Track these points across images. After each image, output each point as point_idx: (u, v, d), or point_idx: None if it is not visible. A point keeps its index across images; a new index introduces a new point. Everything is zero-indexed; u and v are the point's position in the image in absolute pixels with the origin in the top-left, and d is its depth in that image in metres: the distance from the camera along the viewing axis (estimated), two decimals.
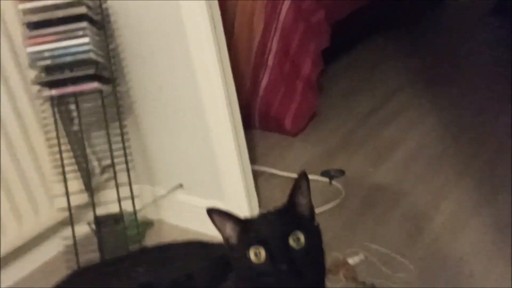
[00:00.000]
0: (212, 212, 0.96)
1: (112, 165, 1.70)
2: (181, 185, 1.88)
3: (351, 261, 1.61)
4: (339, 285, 1.54)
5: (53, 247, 1.81)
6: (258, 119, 2.46)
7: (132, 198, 1.70)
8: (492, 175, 1.92)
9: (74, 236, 1.67)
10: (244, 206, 1.79)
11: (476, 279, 1.50)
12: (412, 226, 1.75)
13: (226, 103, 1.66)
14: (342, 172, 2.09)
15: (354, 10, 2.78)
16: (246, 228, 0.94)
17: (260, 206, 1.88)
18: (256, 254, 0.89)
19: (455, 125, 2.26)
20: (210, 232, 1.92)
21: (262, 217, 0.98)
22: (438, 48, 3.10)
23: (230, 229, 0.96)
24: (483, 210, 1.76)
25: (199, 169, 1.83)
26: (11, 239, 1.65)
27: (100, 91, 1.67)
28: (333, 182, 2.03)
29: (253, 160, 2.11)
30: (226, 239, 0.97)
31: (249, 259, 0.90)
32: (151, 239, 1.90)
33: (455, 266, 1.56)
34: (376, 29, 3.29)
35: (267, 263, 0.89)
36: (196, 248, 1.10)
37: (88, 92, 1.68)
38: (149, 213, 1.95)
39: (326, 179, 2.05)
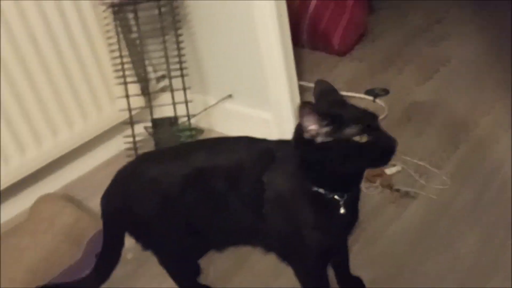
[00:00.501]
0: (306, 106, 0.99)
1: (168, 70, 1.82)
2: (230, 96, 1.99)
3: (388, 171, 1.71)
4: (376, 191, 1.66)
5: (116, 146, 1.98)
6: (306, 37, 2.50)
7: (186, 102, 1.83)
8: None
9: (133, 135, 1.83)
10: (289, 118, 1.89)
11: (507, 187, 1.58)
12: (450, 140, 1.82)
13: (276, 16, 1.72)
14: (386, 91, 2.14)
15: None
16: (341, 118, 1.00)
17: None
18: (360, 135, 0.99)
19: (504, 46, 2.24)
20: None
21: (346, 108, 1.05)
22: None
23: (318, 124, 0.99)
24: None
25: (248, 80, 1.93)
26: (79, 135, 1.82)
27: (157, 0, 1.76)
28: (377, 100, 2.09)
29: (299, 76, 2.18)
30: (308, 133, 1.01)
31: (353, 140, 0.99)
32: None
33: (487, 177, 1.64)
34: None
35: (372, 139, 1.00)
36: (246, 142, 1.21)
37: (147, 1, 1.77)
38: (200, 122, 2.09)
39: (370, 98, 2.11)
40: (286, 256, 1.19)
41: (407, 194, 1.63)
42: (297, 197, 1.09)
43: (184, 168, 1.16)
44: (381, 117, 1.97)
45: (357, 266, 1.38)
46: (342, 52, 2.44)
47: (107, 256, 1.31)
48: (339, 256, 1.31)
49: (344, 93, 2.15)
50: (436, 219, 1.54)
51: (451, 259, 1.41)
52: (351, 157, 1.01)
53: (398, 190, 1.64)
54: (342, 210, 1.08)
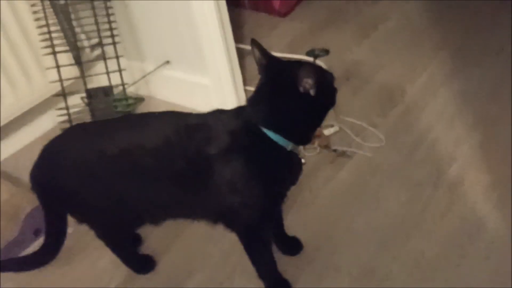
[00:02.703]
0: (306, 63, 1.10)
1: (99, 38, 1.75)
2: (168, 62, 1.95)
3: (326, 132, 1.72)
4: (314, 153, 1.68)
5: (50, 120, 1.92)
6: None
7: (120, 70, 1.78)
8: (464, 49, 1.99)
9: (67, 107, 1.78)
10: (228, 82, 1.86)
11: (440, 143, 1.64)
12: (386, 99, 1.85)
13: None
14: (326, 51, 2.14)
15: None
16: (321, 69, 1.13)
17: (245, 84, 1.97)
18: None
19: (444, 5, 2.27)
20: (196, 106, 2.04)
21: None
22: None
23: (315, 77, 1.05)
24: (453, 81, 1.85)
25: (184, 45, 1.88)
26: (9, 110, 1.75)
27: None
28: (317, 61, 2.09)
29: (239, 39, 2.15)
30: (304, 86, 1.06)
31: (333, 87, 1.14)
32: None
33: (421, 134, 1.68)
34: None
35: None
36: (170, 118, 1.19)
37: None
38: (140, 90, 2.05)
39: (310, 59, 2.10)
40: (235, 222, 1.19)
41: (344, 153, 1.66)
42: (258, 156, 1.09)
43: (110, 148, 1.14)
44: None
45: (294, 226, 1.41)
46: (283, 13, 2.41)
47: (51, 230, 1.30)
48: (276, 216, 1.33)
49: (285, 55, 2.14)
50: (369, 178, 1.58)
51: (380, 217, 1.46)
52: (330, 103, 1.13)
53: (335, 150, 1.67)
54: (303, 161, 1.17)
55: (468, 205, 1.44)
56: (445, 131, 1.67)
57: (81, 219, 1.28)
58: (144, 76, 1.98)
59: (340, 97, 1.16)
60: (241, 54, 1.99)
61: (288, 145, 1.10)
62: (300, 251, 1.39)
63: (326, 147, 1.68)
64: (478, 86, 1.81)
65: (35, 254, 1.33)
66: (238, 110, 1.15)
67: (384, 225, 1.43)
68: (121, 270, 1.42)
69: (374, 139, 1.69)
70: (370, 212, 1.47)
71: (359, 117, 1.77)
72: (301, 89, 1.06)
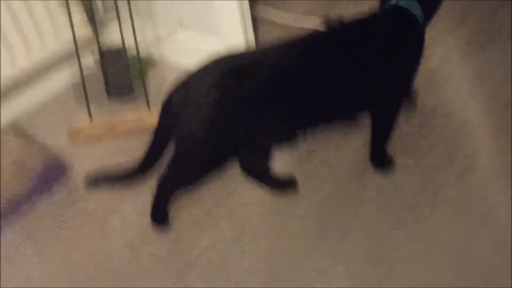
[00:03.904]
0: None
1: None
2: (181, 24, 1.94)
3: None
4: None
5: (64, 81, 1.93)
6: None
7: (134, 31, 1.77)
8: (484, 30, 1.95)
9: (80, 66, 1.78)
10: (240, 46, 1.85)
11: (455, 119, 1.63)
12: None
13: None
14: (341, 20, 2.10)
15: None
16: None
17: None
18: None
19: None
20: None
21: None
22: None
23: None
24: (469, 61, 1.83)
25: (198, 8, 1.87)
26: (23, 69, 1.76)
27: None
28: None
29: (254, 4, 2.14)
30: None
31: None
32: (154, 77, 2.01)
33: (441, 110, 1.67)
34: None
35: None
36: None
37: None
38: (152, 53, 2.04)
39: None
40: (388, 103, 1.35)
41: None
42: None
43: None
44: None
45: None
46: None
47: (151, 153, 1.31)
48: None
49: (300, 21, 2.12)
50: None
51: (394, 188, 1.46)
52: None
53: None
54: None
55: (478, 191, 1.42)
56: (459, 111, 1.65)
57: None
58: (157, 40, 1.97)
59: None
60: (254, 20, 1.98)
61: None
62: None
63: None
64: (494, 68, 1.78)
65: (127, 168, 1.34)
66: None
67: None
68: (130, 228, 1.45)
69: None
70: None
71: None
72: None
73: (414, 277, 1.24)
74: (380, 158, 1.47)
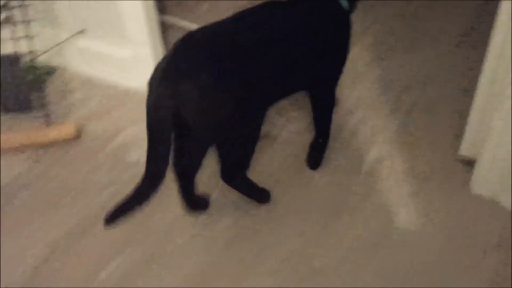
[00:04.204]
0: None
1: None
2: (83, 31, 1.81)
3: None
4: None
5: None
6: None
7: (28, 36, 1.62)
8: (386, 37, 2.02)
9: None
10: (148, 56, 1.76)
11: (360, 126, 1.65)
12: None
13: None
14: None
15: None
16: None
17: None
18: None
19: None
20: (113, 79, 1.93)
21: None
22: None
23: None
24: (373, 69, 1.87)
25: (101, 13, 1.75)
26: None
27: None
28: None
29: (162, 10, 2.05)
30: None
31: None
32: (54, 86, 1.86)
33: (342, 118, 1.69)
34: None
35: None
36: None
37: None
38: (51, 60, 1.89)
39: None
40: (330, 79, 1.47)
41: (268, 134, 1.63)
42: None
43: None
44: None
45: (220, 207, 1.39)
46: None
47: (155, 159, 1.19)
48: None
49: None
50: (293, 160, 1.56)
51: (307, 193, 1.46)
52: None
53: None
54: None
55: (384, 193, 1.46)
56: (364, 118, 1.69)
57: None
58: (57, 45, 1.82)
59: None
60: (164, 27, 1.90)
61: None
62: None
63: None
64: (396, 75, 1.84)
65: (137, 189, 1.20)
66: None
67: (309, 207, 1.44)
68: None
69: (297, 123, 1.68)
70: (299, 191, 1.48)
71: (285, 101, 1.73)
72: None
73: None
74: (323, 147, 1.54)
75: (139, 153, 1.59)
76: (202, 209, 1.43)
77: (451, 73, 1.82)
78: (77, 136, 1.65)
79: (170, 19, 2.05)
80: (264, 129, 1.60)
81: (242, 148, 1.32)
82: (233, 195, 1.43)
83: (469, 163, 1.46)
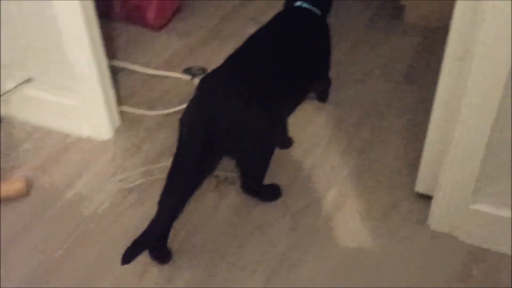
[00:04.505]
0: None
1: None
2: (30, 79, 1.75)
3: None
4: None
5: None
6: (119, 8, 2.30)
7: None
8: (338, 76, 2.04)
9: None
10: (99, 102, 1.72)
11: (316, 167, 1.66)
12: None
13: None
14: (204, 70, 2.08)
15: None
16: None
17: (119, 103, 1.84)
18: None
19: None
20: (62, 128, 1.86)
21: None
22: None
23: None
24: (325, 107, 1.89)
25: (49, 61, 1.70)
26: None
27: None
28: (195, 79, 2.03)
29: (112, 54, 2.02)
30: None
31: None
32: (1, 137, 1.78)
33: (299, 160, 1.69)
34: None
35: None
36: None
37: None
38: None
39: (188, 77, 2.04)
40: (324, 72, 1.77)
41: (226, 179, 1.61)
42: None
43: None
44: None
45: (180, 257, 1.36)
46: (158, 26, 2.31)
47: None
48: None
49: (162, 72, 2.05)
50: (253, 204, 1.55)
51: (265, 246, 1.44)
52: None
53: (217, 177, 1.61)
54: None
55: (345, 233, 1.47)
56: (321, 158, 1.69)
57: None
58: (3, 94, 1.75)
59: None
60: (114, 71, 1.86)
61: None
62: None
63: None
64: (349, 111, 1.86)
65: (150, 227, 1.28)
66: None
67: (270, 256, 1.42)
68: None
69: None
70: (255, 241, 1.45)
71: None
72: None
73: None
74: None
75: (95, 205, 1.54)
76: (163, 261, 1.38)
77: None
78: (27, 192, 1.58)
79: (121, 63, 2.02)
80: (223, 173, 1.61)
81: (268, 158, 1.46)
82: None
83: (427, 198, 1.48)
